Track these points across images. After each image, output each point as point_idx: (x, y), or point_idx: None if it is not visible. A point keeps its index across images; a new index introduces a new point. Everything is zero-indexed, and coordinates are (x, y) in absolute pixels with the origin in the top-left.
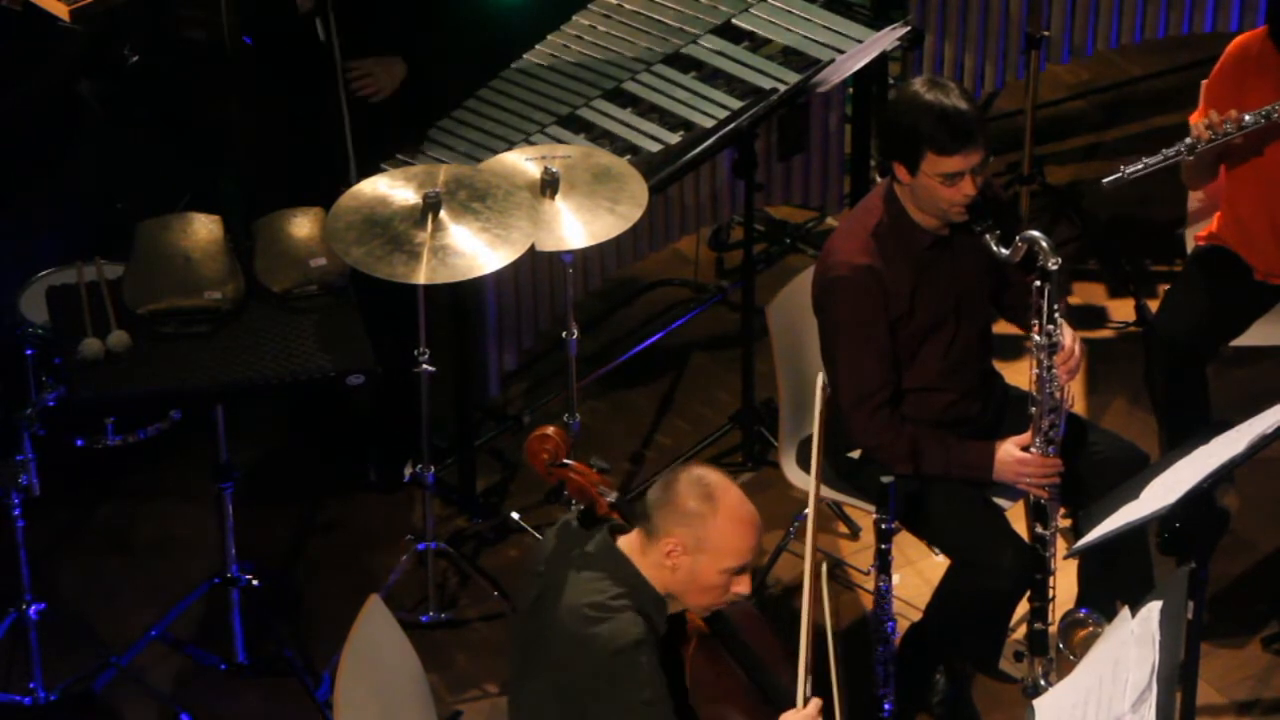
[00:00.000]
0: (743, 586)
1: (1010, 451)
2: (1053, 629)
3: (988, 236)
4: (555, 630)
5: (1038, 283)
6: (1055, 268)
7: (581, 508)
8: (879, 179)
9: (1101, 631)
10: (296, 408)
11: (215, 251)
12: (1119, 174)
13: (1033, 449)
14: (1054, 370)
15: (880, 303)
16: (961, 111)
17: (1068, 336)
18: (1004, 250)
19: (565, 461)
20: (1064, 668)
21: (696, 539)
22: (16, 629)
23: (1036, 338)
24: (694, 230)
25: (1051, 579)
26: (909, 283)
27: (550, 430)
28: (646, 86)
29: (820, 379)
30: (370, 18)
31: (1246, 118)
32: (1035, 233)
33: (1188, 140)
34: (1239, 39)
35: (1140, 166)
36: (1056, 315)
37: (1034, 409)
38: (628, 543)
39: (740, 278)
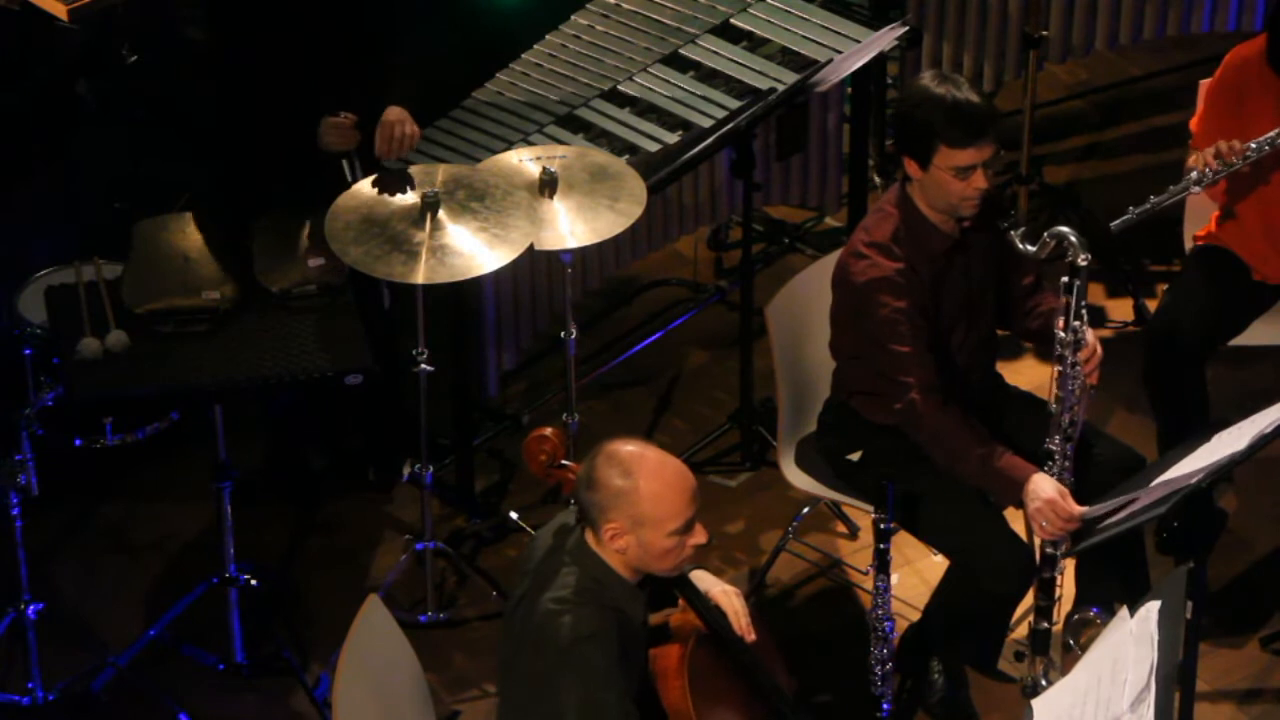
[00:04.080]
0: (698, 537)
1: (1042, 487)
2: (1057, 628)
3: (1013, 233)
4: (529, 622)
5: (1065, 279)
6: (1085, 263)
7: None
8: (877, 179)
9: None
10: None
11: (213, 251)
12: (1128, 215)
13: (1051, 444)
14: (1077, 367)
15: (917, 300)
16: (973, 104)
17: (1089, 334)
18: (1030, 247)
19: (564, 463)
20: (1070, 667)
21: (631, 517)
22: (15, 629)
23: (1061, 334)
24: (692, 230)
25: (1059, 578)
26: (929, 286)
27: (548, 431)
28: (645, 86)
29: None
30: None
31: (1251, 146)
32: (1064, 229)
33: (1194, 174)
34: (1239, 50)
35: (1148, 205)
36: (1084, 312)
37: (1055, 405)
38: (591, 539)
39: (739, 277)
